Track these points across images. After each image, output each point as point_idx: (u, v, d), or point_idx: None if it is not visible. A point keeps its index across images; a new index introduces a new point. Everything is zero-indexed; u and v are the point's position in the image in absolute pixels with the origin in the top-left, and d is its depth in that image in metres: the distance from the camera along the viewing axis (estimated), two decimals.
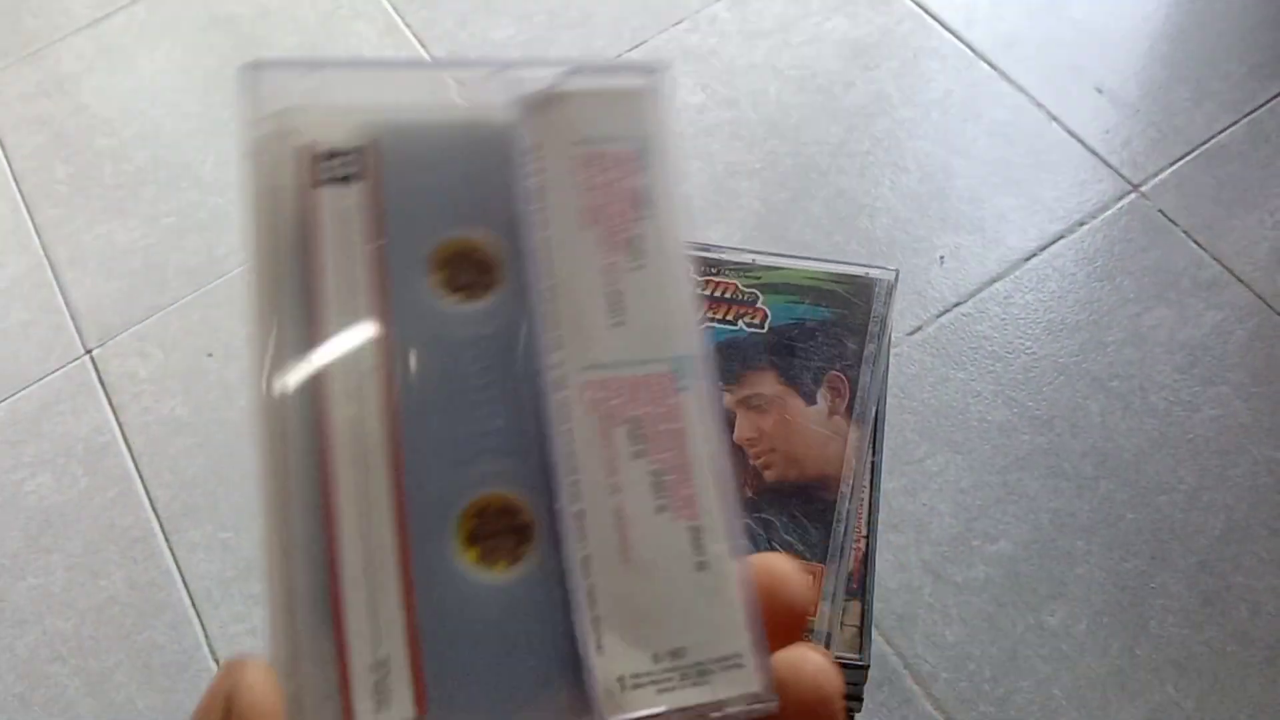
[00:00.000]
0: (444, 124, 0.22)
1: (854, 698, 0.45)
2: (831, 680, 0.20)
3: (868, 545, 0.35)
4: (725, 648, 0.19)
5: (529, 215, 0.21)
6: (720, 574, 0.20)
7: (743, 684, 0.19)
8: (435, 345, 0.20)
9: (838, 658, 0.33)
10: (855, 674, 0.36)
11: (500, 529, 0.20)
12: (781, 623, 0.20)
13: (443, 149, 0.22)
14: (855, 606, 0.34)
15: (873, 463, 0.37)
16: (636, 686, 0.19)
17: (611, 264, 0.21)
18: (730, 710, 0.19)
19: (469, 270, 0.21)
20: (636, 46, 1.24)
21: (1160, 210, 1.06)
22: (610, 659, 0.19)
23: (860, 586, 0.33)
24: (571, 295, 0.20)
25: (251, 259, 0.22)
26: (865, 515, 0.35)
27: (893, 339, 1.01)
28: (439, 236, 0.21)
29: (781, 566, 0.20)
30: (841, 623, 0.33)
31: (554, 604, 0.19)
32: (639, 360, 0.20)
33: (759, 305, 0.46)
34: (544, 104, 0.22)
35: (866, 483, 0.36)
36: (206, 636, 0.95)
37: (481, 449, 0.20)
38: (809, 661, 0.20)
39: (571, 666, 0.19)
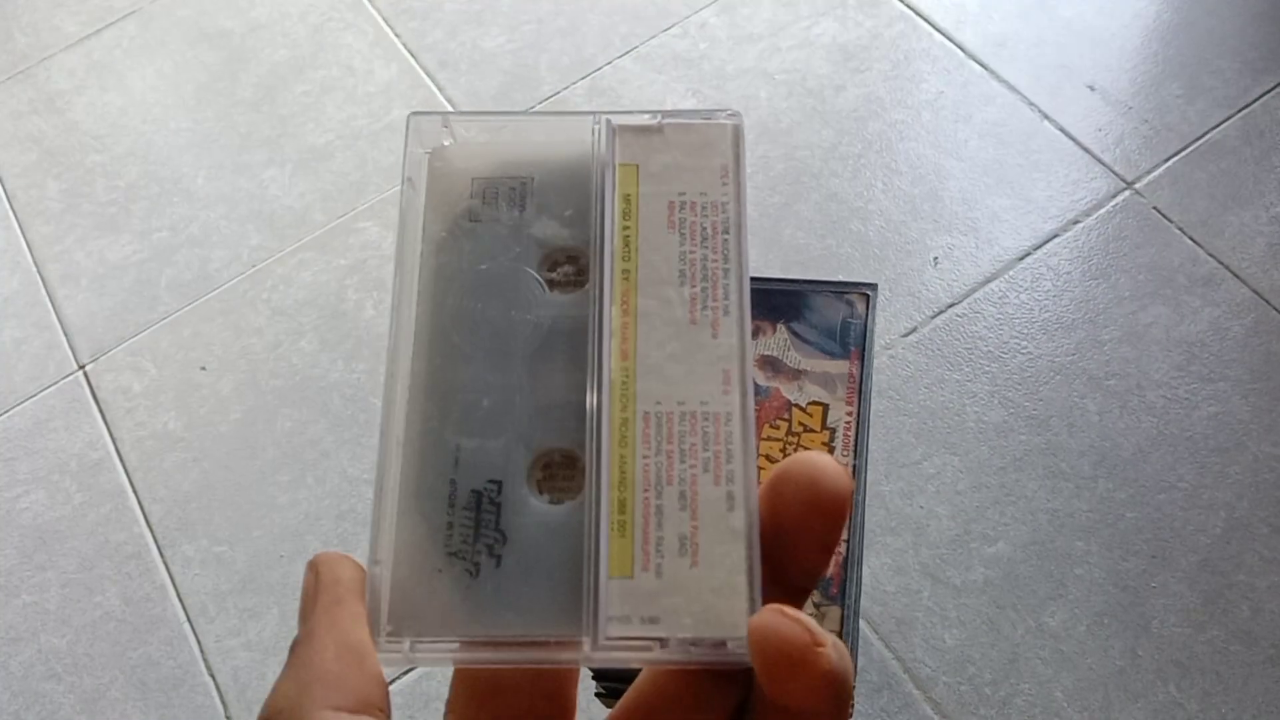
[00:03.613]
0: (573, 158, 0.26)
1: None
2: (799, 637, 0.20)
3: (849, 549, 0.34)
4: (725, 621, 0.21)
5: (615, 226, 0.25)
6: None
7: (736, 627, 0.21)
8: (537, 325, 0.24)
9: None
10: None
11: (563, 474, 0.23)
12: (823, 513, 0.21)
13: (570, 178, 0.26)
14: (835, 612, 0.33)
15: (854, 465, 0.37)
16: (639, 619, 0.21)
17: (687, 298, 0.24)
18: (713, 649, 0.20)
19: (568, 268, 0.25)
20: (626, 53, 1.24)
21: (1155, 207, 1.06)
22: (616, 585, 0.21)
23: (840, 592, 0.32)
24: (647, 319, 0.23)
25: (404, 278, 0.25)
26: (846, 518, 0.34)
27: (888, 341, 1.01)
28: (555, 243, 0.25)
29: (820, 459, 0.21)
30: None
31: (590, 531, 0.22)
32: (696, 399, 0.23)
33: None
34: (639, 134, 0.26)
35: None
36: (202, 651, 0.95)
37: (560, 411, 0.23)
38: (782, 621, 0.20)
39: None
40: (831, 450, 0.36)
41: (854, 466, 0.38)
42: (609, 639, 0.20)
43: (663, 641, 0.20)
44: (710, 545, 0.21)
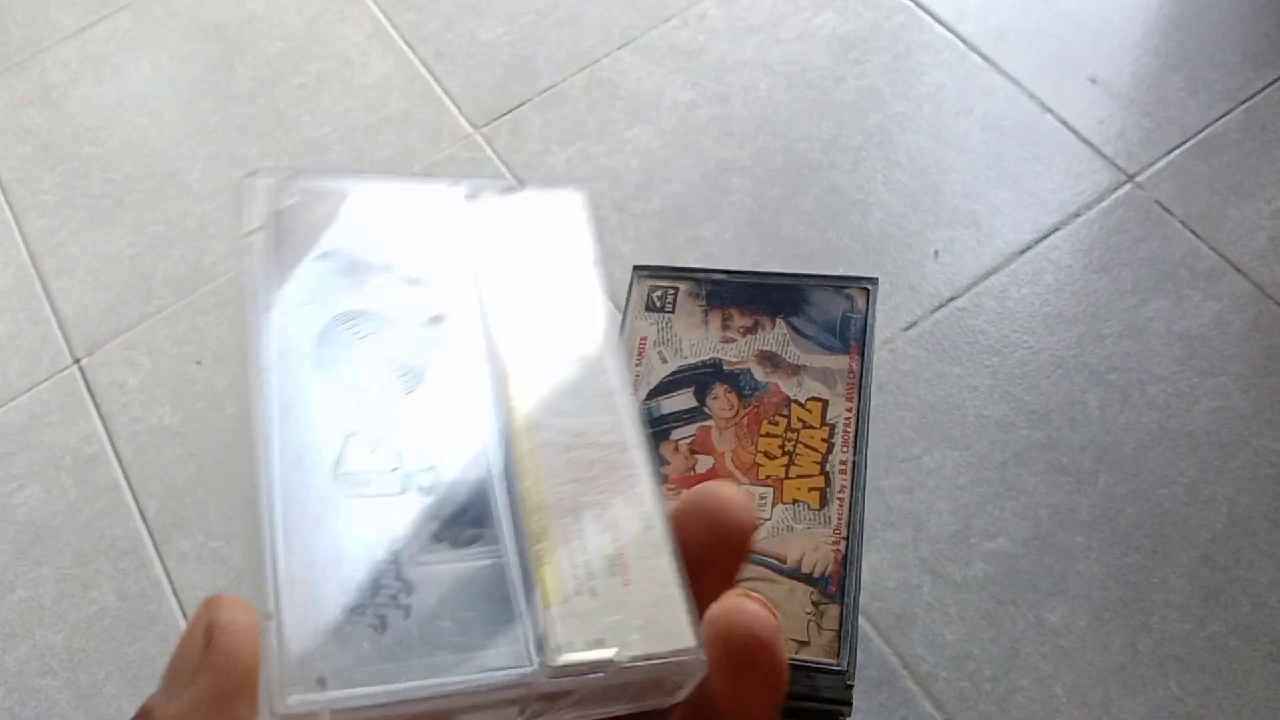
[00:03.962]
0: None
1: (838, 701, 0.44)
2: (766, 625, 0.20)
3: (848, 547, 0.34)
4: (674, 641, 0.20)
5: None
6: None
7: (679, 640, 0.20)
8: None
9: (815, 664, 0.33)
10: (833, 679, 0.35)
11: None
12: (726, 547, 0.21)
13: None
14: (834, 610, 0.33)
15: (854, 462, 0.36)
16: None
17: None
18: (666, 661, 0.20)
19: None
20: (625, 45, 1.23)
21: (1156, 201, 1.05)
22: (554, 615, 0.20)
23: (839, 590, 0.32)
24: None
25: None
26: (845, 516, 0.34)
27: (888, 335, 1.00)
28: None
29: (722, 491, 0.21)
30: (819, 627, 0.32)
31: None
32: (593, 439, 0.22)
33: None
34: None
35: (847, 482, 0.35)
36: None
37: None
38: (744, 612, 0.20)
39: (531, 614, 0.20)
40: (831, 447, 0.36)
41: (854, 463, 0.38)
42: (558, 667, 0.19)
43: (611, 663, 0.19)
44: (638, 561, 0.20)
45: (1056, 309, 1.00)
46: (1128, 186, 1.06)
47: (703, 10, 1.24)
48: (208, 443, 1.04)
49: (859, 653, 0.86)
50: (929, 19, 1.20)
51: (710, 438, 0.36)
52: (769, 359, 0.37)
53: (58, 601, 0.98)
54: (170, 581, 0.97)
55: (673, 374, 0.37)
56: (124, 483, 1.03)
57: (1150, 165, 1.07)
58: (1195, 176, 1.06)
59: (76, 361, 1.11)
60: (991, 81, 1.14)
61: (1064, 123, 1.11)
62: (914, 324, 1.01)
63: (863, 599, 0.88)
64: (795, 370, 0.37)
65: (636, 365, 0.35)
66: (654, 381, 0.36)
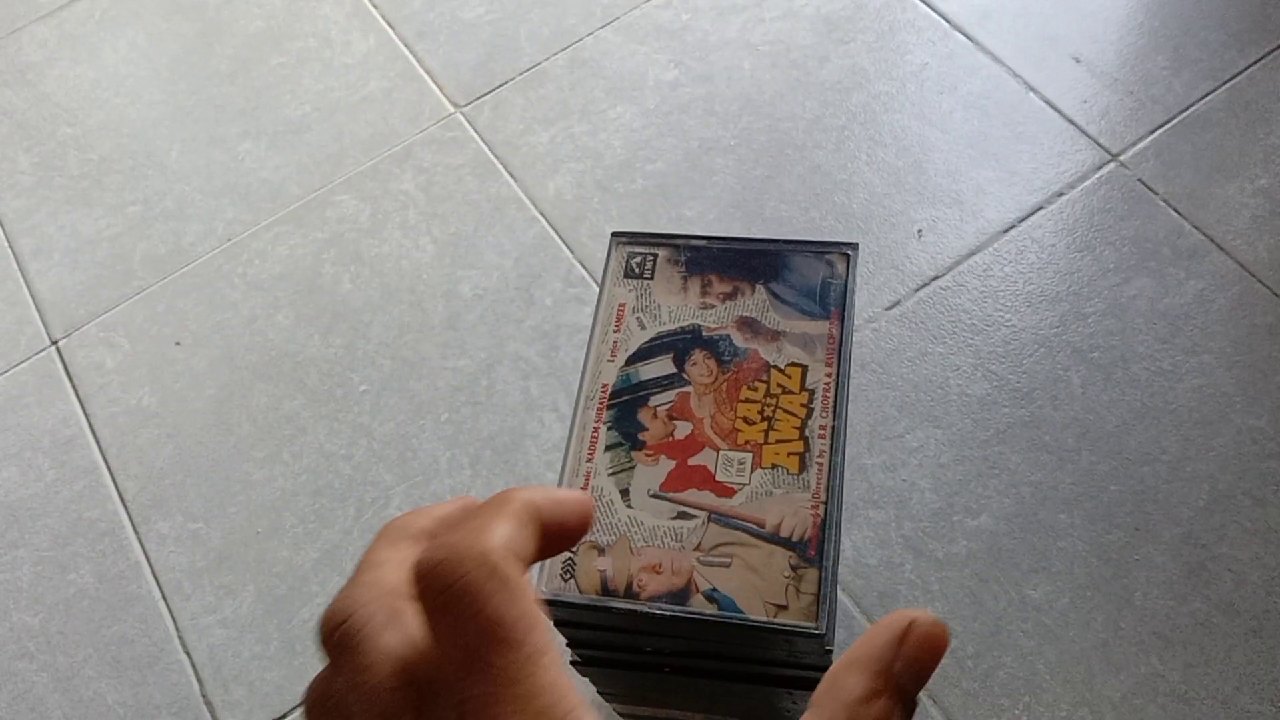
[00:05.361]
0: None
1: (817, 667, 0.43)
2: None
3: (826, 511, 0.34)
4: None
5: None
6: None
7: None
8: None
9: (794, 628, 0.33)
10: (811, 643, 0.34)
11: None
12: (558, 538, 0.26)
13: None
14: (812, 574, 0.33)
15: (833, 427, 0.36)
16: None
17: None
18: None
19: None
20: (608, 24, 1.22)
21: (1140, 179, 1.05)
22: None
23: (818, 553, 0.32)
24: None
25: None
26: (824, 480, 0.34)
27: (871, 314, 1.00)
28: None
29: (555, 493, 0.26)
30: (798, 591, 0.32)
31: None
32: None
33: None
34: None
35: (826, 447, 0.36)
36: (177, 629, 0.93)
37: None
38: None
39: None
40: (810, 412, 0.36)
41: (832, 428, 0.37)
42: None
43: None
44: None
45: (1039, 288, 1.00)
46: (1111, 165, 1.06)
47: None
48: (187, 424, 1.03)
49: (841, 630, 0.86)
50: None
51: (689, 404, 0.35)
52: (748, 325, 0.37)
53: (35, 584, 0.97)
54: (149, 563, 0.96)
55: (651, 340, 0.36)
56: (102, 464, 1.02)
57: (1134, 144, 1.07)
58: (1178, 155, 1.06)
59: (54, 343, 1.09)
60: (975, 61, 1.14)
61: (1047, 102, 1.10)
62: (897, 303, 1.00)
63: (845, 577, 0.88)
64: (775, 336, 0.36)
65: (615, 332, 0.36)
66: (632, 348, 0.36)
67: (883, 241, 1.04)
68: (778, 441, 0.34)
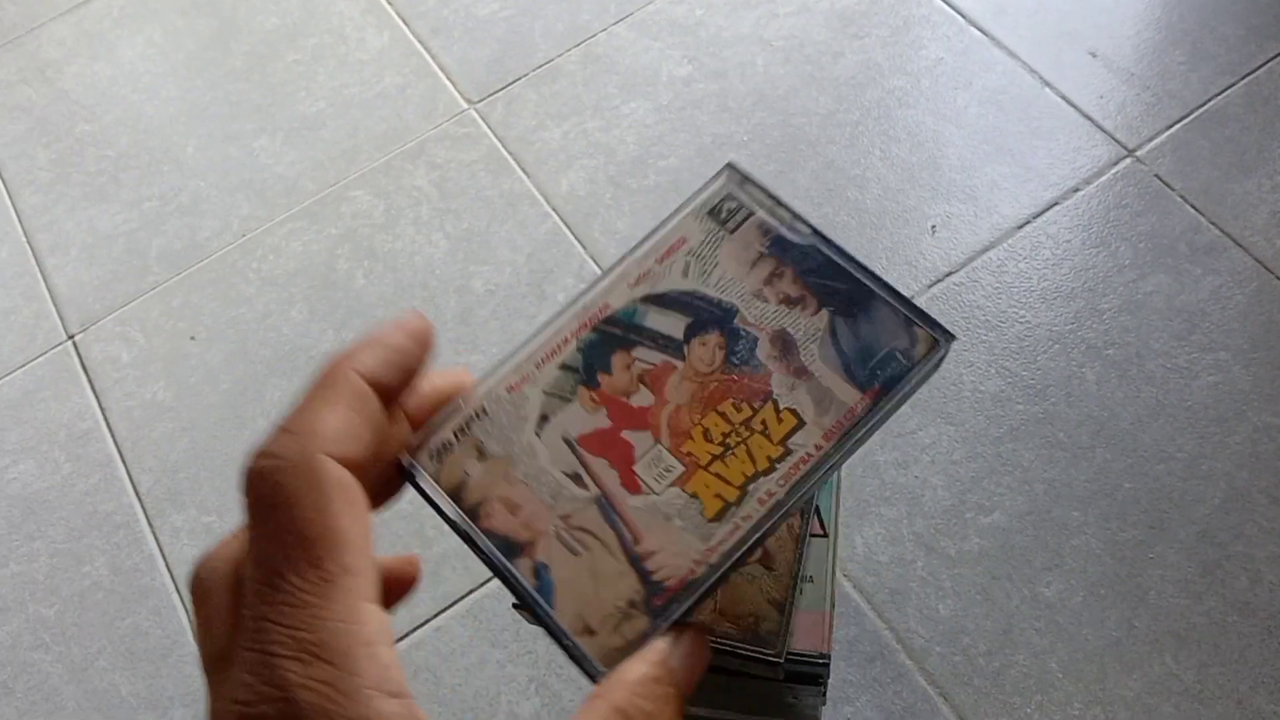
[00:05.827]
0: None
1: (809, 681, 0.43)
2: None
3: (709, 578, 0.28)
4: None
5: None
6: None
7: None
8: None
9: (581, 653, 0.28)
10: (588, 672, 0.30)
11: None
12: (403, 378, 0.27)
13: None
14: (640, 624, 0.28)
15: (777, 500, 0.28)
16: None
17: None
18: None
19: None
20: (621, 19, 1.22)
21: (1156, 175, 1.04)
22: None
23: (659, 610, 0.28)
24: None
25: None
26: (729, 546, 0.29)
27: None
28: None
29: (387, 339, 0.27)
30: (617, 627, 0.28)
31: None
32: None
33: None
34: None
35: (757, 515, 0.29)
36: (191, 622, 0.94)
37: None
38: None
39: None
40: (770, 470, 0.29)
41: (777, 502, 0.29)
42: None
43: None
44: None
45: (1054, 284, 0.99)
46: (1127, 161, 1.05)
47: None
48: (201, 418, 1.03)
49: (852, 626, 0.86)
50: None
51: (667, 379, 0.30)
52: (783, 342, 0.31)
53: (50, 576, 0.97)
54: (163, 556, 0.97)
55: (682, 293, 0.32)
56: (117, 458, 1.02)
57: (1150, 140, 1.06)
58: (1196, 151, 1.05)
59: (70, 337, 1.10)
60: (990, 56, 1.13)
61: (1063, 97, 1.09)
62: (910, 299, 1.00)
63: (857, 573, 0.88)
64: (800, 372, 0.30)
65: (656, 262, 0.32)
66: (659, 288, 0.32)
67: (896, 237, 1.03)
68: (717, 476, 0.29)
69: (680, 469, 0.29)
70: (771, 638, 0.41)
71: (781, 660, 0.38)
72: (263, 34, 1.29)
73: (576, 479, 0.29)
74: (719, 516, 0.28)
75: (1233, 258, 0.99)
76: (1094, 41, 1.13)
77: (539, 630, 0.92)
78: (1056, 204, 1.04)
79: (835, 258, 0.31)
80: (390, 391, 0.27)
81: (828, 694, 0.79)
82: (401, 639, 0.90)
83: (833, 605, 0.46)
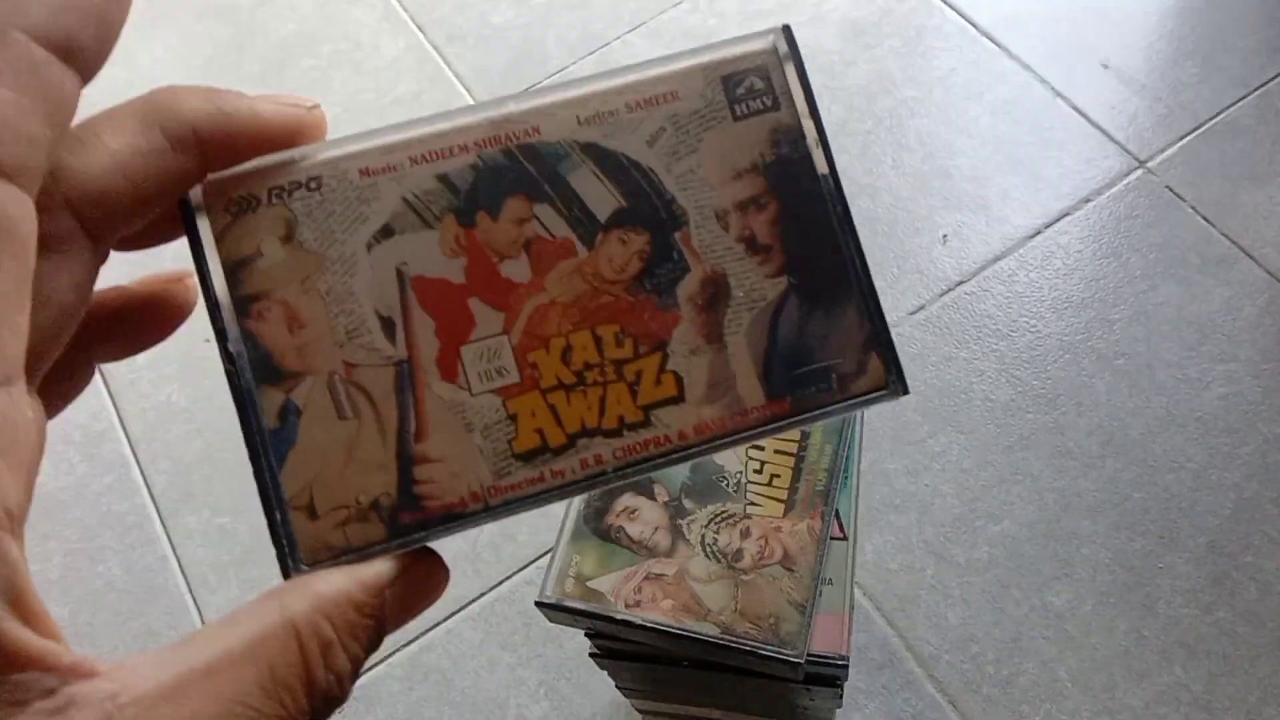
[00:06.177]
0: None
1: (828, 683, 0.44)
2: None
3: (487, 506, 0.23)
4: None
5: None
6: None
7: None
8: None
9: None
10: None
11: None
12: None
13: None
14: (374, 530, 0.23)
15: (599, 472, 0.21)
16: None
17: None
18: None
19: None
20: (635, 28, 1.23)
21: (1168, 186, 1.04)
22: None
23: (393, 529, 0.23)
24: None
25: None
26: (489, 468, 0.23)
27: (895, 319, 0.99)
28: None
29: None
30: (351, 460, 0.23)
31: None
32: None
33: None
34: None
35: (569, 469, 0.22)
36: (203, 622, 0.94)
37: None
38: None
39: None
40: (613, 435, 0.23)
41: (595, 472, 0.24)
42: None
43: None
44: None
45: (1065, 294, 1.00)
46: (1139, 172, 1.05)
47: None
48: (215, 420, 1.04)
49: (862, 633, 0.86)
50: (940, 3, 1.19)
51: (557, 262, 0.23)
52: (715, 289, 0.23)
53: (64, 575, 0.98)
54: (177, 557, 0.98)
55: (635, 164, 0.23)
56: (132, 459, 1.03)
57: (1162, 151, 1.06)
58: (1207, 162, 1.05)
59: None
60: (1003, 66, 1.14)
61: (1075, 108, 1.10)
62: (921, 307, 1.00)
63: (866, 580, 0.88)
64: (714, 336, 0.23)
65: (628, 107, 0.23)
66: (610, 143, 0.23)
67: (908, 246, 1.04)
68: (550, 408, 0.22)
69: (514, 379, 0.22)
70: (793, 639, 0.42)
71: (803, 661, 0.38)
72: (279, 40, 1.30)
73: (387, 326, 0.22)
74: (527, 456, 0.22)
75: (1243, 269, 0.99)
76: (1106, 53, 1.13)
77: (549, 634, 0.93)
78: (1068, 214, 1.04)
79: (836, 224, 0.23)
80: (82, 57, 0.18)
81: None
82: (411, 641, 0.90)
83: (851, 608, 0.47)
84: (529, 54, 1.23)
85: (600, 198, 0.23)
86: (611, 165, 0.23)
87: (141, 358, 1.08)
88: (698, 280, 0.23)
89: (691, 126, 0.23)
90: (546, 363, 0.22)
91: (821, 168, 0.24)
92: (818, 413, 0.23)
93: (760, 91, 0.24)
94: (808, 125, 0.24)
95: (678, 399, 0.23)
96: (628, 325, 0.23)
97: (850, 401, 0.23)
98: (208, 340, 1.08)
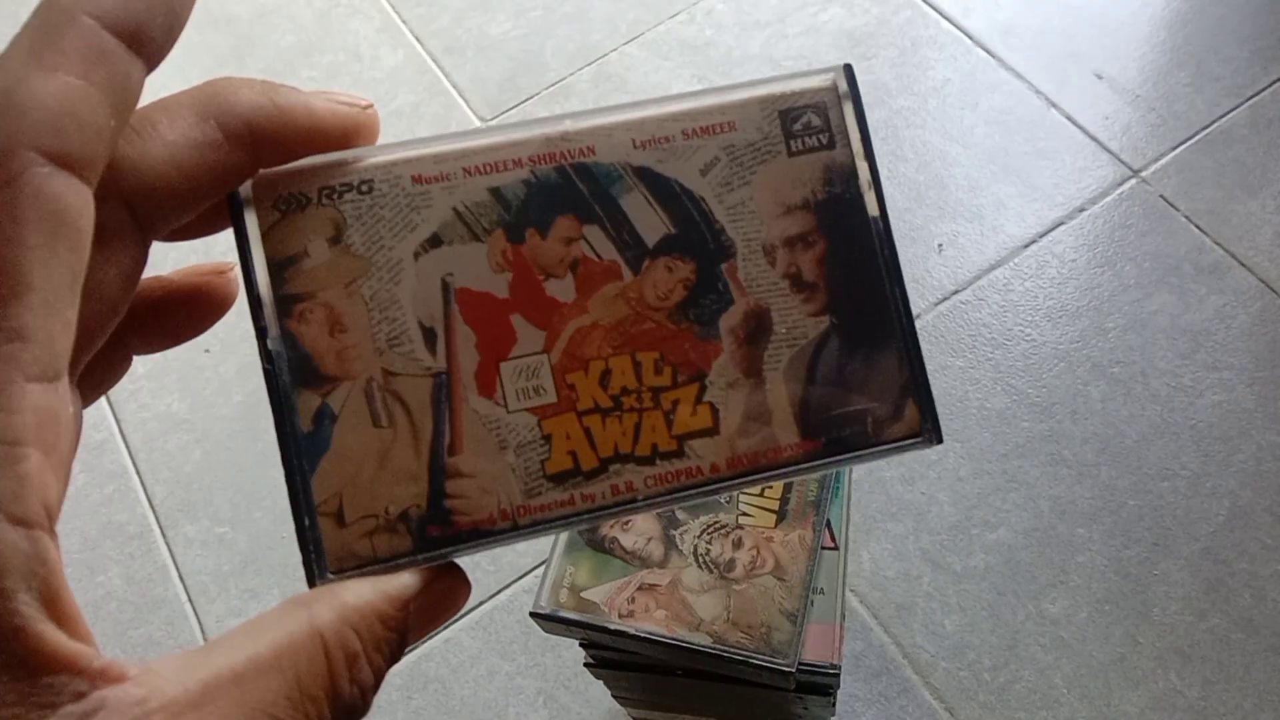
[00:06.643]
0: None
1: (820, 692, 0.44)
2: None
3: (513, 519, 0.24)
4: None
5: None
6: None
7: None
8: None
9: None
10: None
11: None
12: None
13: None
14: (402, 541, 0.23)
15: (638, 498, 0.22)
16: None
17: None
18: None
19: None
20: (632, 39, 1.24)
21: (1161, 196, 1.05)
22: None
23: (419, 539, 0.23)
24: None
25: None
26: (561, 505, 0.24)
27: None
28: None
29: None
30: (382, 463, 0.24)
31: None
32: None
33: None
34: None
35: (602, 495, 0.23)
36: (203, 632, 0.95)
37: None
38: None
39: None
40: (645, 463, 0.22)
41: (634, 499, 0.24)
42: None
43: None
44: None
45: (1060, 302, 1.00)
46: (1133, 181, 1.06)
47: (710, 5, 1.25)
48: (215, 430, 1.05)
49: (858, 641, 0.86)
50: (935, 14, 1.20)
51: (602, 285, 0.23)
52: (758, 323, 0.23)
53: None
54: (177, 567, 0.98)
55: (687, 192, 0.23)
56: (132, 469, 1.04)
57: (1155, 160, 1.07)
58: (1201, 172, 1.06)
59: None
60: (997, 77, 1.15)
61: (1069, 118, 1.11)
62: (917, 317, 1.01)
63: (863, 588, 0.88)
64: (753, 370, 0.23)
65: (685, 134, 0.23)
66: (664, 168, 0.23)
67: (903, 255, 1.04)
68: (585, 431, 0.22)
69: (551, 399, 0.22)
70: (784, 648, 0.42)
71: (794, 670, 0.39)
72: (278, 51, 1.30)
73: (429, 337, 0.22)
74: (559, 478, 0.22)
75: (1237, 278, 1.00)
76: (1100, 63, 1.14)
77: (548, 643, 0.93)
78: (1062, 223, 1.05)
79: (883, 268, 0.24)
80: (150, 47, 0.18)
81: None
82: (410, 650, 0.91)
83: (842, 617, 0.47)
84: (527, 65, 1.24)
85: (650, 223, 0.23)
86: (663, 191, 0.23)
87: (141, 367, 1.09)
88: (740, 313, 0.23)
89: (746, 158, 0.23)
90: (584, 385, 0.22)
91: (873, 210, 0.24)
92: (850, 455, 0.23)
93: (817, 129, 0.24)
94: (861, 166, 0.24)
95: (712, 431, 0.23)
96: (668, 353, 0.23)
97: (883, 446, 0.23)
98: (208, 350, 1.09)
